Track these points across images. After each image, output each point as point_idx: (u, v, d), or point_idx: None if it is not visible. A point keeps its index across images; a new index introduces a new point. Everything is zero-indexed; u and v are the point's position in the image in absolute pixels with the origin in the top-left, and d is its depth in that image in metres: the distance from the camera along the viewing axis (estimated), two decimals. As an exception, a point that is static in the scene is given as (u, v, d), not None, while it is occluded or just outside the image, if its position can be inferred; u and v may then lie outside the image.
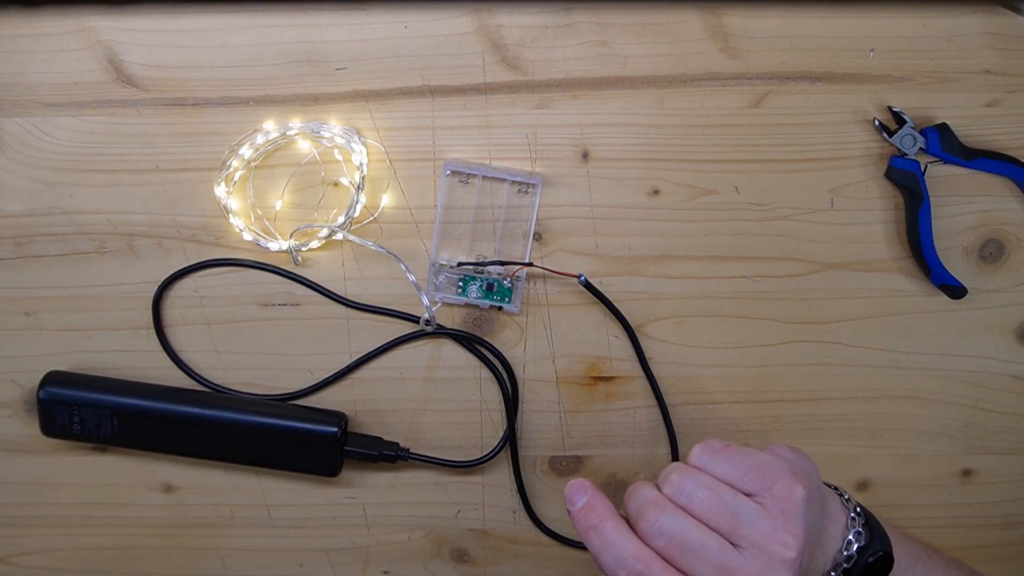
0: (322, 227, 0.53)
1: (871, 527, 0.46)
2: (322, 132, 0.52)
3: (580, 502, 0.44)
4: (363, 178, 0.52)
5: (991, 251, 0.55)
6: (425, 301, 0.53)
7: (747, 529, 0.41)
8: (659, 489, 0.43)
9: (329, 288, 0.55)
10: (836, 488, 0.48)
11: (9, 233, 0.54)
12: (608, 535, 0.42)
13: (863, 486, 0.58)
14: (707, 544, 0.41)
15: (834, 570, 0.45)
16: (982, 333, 0.56)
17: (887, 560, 0.45)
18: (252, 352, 0.55)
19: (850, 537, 0.45)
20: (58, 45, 0.51)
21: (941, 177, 0.53)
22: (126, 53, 0.51)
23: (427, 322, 0.54)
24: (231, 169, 0.53)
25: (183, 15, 0.51)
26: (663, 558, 0.41)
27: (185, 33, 0.51)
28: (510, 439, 0.56)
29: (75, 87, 0.52)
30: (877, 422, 0.57)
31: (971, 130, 0.53)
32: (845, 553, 0.45)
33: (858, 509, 0.47)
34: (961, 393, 0.57)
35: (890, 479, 0.58)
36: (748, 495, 0.43)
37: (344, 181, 0.53)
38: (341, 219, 0.53)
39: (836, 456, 0.57)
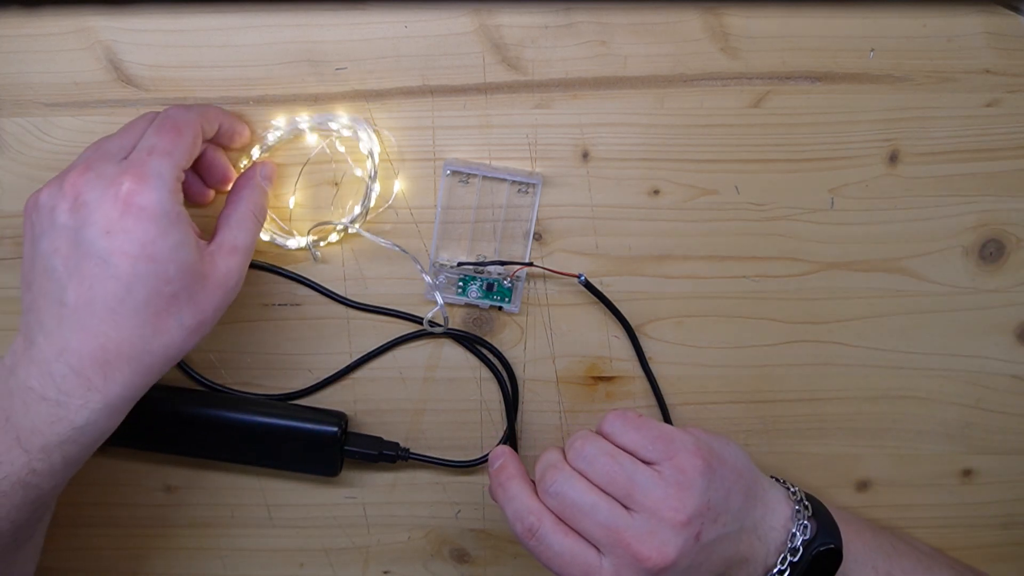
0: (340, 222, 0.53)
1: (819, 520, 0.47)
2: (330, 125, 0.52)
3: (497, 464, 0.48)
4: (375, 166, 0.52)
5: (991, 251, 0.55)
6: (439, 300, 0.52)
7: (641, 495, 0.44)
8: (564, 453, 0.47)
9: (329, 288, 0.55)
10: (783, 482, 0.49)
11: (9, 233, 0.54)
12: (511, 491, 0.46)
13: (863, 486, 0.58)
14: (598, 506, 0.44)
15: (780, 564, 0.46)
16: (982, 333, 0.56)
17: (833, 554, 0.46)
18: (252, 352, 0.55)
19: (794, 530, 0.46)
20: (58, 45, 0.51)
21: (942, 176, 0.53)
22: (126, 53, 0.51)
23: (432, 323, 0.54)
24: (242, 168, 0.52)
25: (183, 15, 0.51)
26: (558, 517, 0.44)
27: (185, 33, 0.51)
28: (510, 439, 0.56)
29: (75, 87, 0.52)
30: (877, 422, 0.57)
31: (971, 130, 0.53)
32: (790, 545, 0.46)
33: (805, 503, 0.48)
34: (961, 393, 0.56)
35: (890, 479, 0.58)
36: (649, 463, 0.45)
37: (357, 172, 0.53)
38: (358, 209, 0.53)
39: (836, 456, 0.57)
